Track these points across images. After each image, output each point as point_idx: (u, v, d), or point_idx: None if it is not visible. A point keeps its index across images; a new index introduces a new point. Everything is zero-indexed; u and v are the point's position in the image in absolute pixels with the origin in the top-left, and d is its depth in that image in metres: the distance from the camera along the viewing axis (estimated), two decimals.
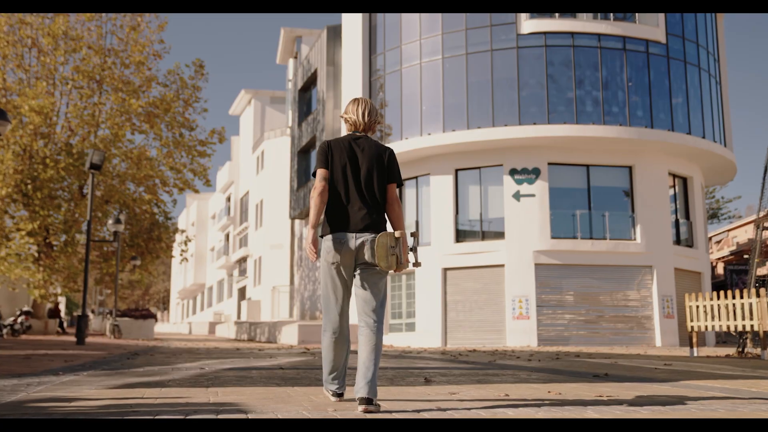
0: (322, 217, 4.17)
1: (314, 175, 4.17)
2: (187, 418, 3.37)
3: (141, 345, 18.48)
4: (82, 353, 11.48)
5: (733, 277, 45.42)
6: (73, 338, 21.71)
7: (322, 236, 4.18)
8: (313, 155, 32.24)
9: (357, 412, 3.78)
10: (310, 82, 32.88)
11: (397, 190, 4.28)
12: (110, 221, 22.40)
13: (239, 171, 50.92)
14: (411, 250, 4.11)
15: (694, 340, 12.66)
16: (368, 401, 3.81)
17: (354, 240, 4.05)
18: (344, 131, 21.86)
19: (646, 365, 8.62)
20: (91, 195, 16.96)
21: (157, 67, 29.49)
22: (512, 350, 16.52)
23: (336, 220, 4.10)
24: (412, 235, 4.15)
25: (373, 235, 4.05)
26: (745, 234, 52.29)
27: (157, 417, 3.37)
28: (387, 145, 4.72)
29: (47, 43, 26.59)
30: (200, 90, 29.81)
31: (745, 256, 49.75)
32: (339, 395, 4.33)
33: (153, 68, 28.89)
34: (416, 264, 4.03)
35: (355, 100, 4.33)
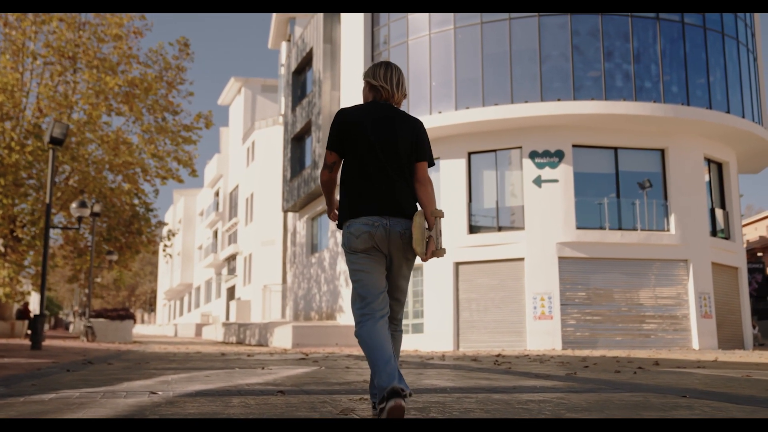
0: (343, 200, 3.54)
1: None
2: None
3: (112, 349, 15.93)
4: (18, 362, 8.89)
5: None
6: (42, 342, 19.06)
7: (343, 223, 3.55)
8: (308, 142, 29.64)
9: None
10: (305, 63, 30.31)
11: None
12: (74, 205, 19.65)
13: (228, 164, 48.33)
14: None
15: None
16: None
17: (381, 225, 3.42)
18: (349, 104, 19.31)
19: None
20: (51, 173, 14.32)
21: (138, 45, 26.93)
22: (543, 354, 14.01)
23: (359, 204, 3.47)
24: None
25: (403, 221, 3.44)
26: (755, 231, 50.16)
27: None
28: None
29: (13, 14, 23.93)
30: (185, 71, 27.34)
31: (759, 254, 47.70)
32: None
33: (134, 48, 26.36)
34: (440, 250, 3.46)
35: (387, 65, 3.64)
